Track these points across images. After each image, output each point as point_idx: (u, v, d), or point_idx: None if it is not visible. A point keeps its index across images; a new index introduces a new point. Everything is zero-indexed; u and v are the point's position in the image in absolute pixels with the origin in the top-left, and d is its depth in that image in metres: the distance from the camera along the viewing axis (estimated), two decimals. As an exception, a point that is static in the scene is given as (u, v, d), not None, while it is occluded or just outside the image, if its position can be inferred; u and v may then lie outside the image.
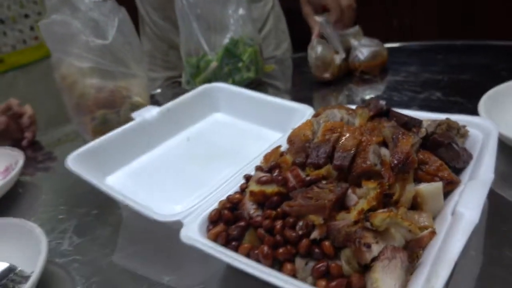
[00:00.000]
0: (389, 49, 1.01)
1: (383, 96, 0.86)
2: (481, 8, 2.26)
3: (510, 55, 0.93)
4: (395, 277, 0.33)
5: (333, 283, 0.35)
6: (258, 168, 0.50)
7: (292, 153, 0.50)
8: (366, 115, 0.52)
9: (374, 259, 0.35)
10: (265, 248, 0.39)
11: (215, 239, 0.42)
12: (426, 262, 0.34)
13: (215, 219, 0.45)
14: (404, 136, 0.45)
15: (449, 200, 0.42)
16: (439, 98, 0.78)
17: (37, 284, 0.45)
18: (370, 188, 0.41)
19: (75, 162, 0.58)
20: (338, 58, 0.94)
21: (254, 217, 0.43)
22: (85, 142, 0.90)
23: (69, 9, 0.77)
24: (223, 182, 0.52)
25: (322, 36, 0.99)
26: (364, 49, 0.96)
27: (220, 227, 0.43)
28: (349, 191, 0.42)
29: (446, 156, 0.46)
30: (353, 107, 0.60)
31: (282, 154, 0.52)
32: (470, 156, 0.47)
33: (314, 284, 0.36)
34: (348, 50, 0.98)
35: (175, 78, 1.26)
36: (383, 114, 0.53)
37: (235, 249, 0.41)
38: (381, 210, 0.38)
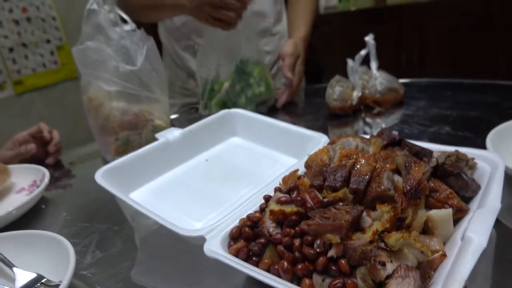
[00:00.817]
0: (404, 83, 1.06)
1: (394, 128, 0.89)
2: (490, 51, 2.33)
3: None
4: (409, 294, 0.35)
5: (349, 299, 0.37)
6: (277, 189, 0.53)
7: (309, 176, 0.53)
8: (380, 144, 0.56)
9: (388, 277, 0.37)
10: (285, 264, 0.41)
11: (236, 254, 0.45)
12: (437, 282, 0.36)
13: (236, 236, 0.48)
14: (416, 164, 0.48)
15: (459, 227, 0.44)
16: (448, 132, 0.81)
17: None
18: (384, 211, 0.44)
19: (102, 177, 0.61)
20: (355, 96, 0.98)
21: (274, 235, 0.46)
22: (104, 161, 0.95)
23: (103, 37, 0.84)
24: (242, 202, 0.55)
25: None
26: (382, 82, 1.00)
27: (241, 243, 0.46)
28: (364, 213, 0.45)
29: (456, 185, 0.48)
30: (367, 136, 0.63)
31: (299, 177, 0.56)
32: (478, 186, 0.50)
33: (331, 299, 0.38)
34: (363, 85, 1.03)
35: (192, 105, 1.32)
36: (396, 143, 0.57)
37: (256, 264, 0.43)
38: (395, 232, 0.41)
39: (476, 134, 0.77)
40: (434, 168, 0.51)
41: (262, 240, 0.45)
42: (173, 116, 1.26)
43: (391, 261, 0.38)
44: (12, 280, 0.53)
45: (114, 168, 0.65)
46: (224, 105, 1.09)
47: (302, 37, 1.19)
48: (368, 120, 0.99)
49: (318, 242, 0.42)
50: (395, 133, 0.57)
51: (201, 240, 0.48)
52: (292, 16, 1.28)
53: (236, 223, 0.50)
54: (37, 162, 0.93)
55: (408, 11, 2.63)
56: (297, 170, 0.57)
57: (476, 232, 0.40)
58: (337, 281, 0.39)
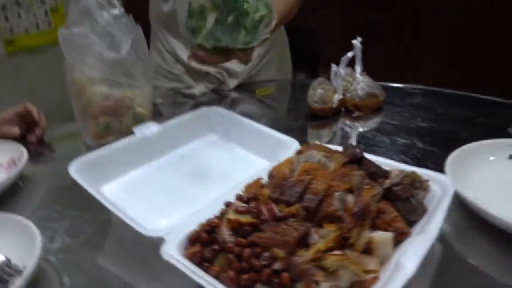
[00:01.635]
0: (384, 87, 1.08)
1: (368, 136, 0.92)
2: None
3: (491, 109, 1.00)
4: (336, 313, 0.39)
5: (284, 311, 0.41)
6: (239, 197, 0.56)
7: (270, 187, 0.56)
8: (341, 160, 0.58)
9: (321, 295, 0.41)
10: (232, 273, 0.45)
11: (190, 258, 0.48)
12: (363, 303, 0.40)
13: (194, 240, 0.51)
14: (367, 187, 0.51)
15: (398, 250, 0.48)
16: (417, 145, 0.84)
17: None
18: (330, 231, 0.47)
19: (77, 170, 0.64)
20: (336, 99, 1.00)
21: (227, 243, 0.49)
22: (86, 144, 0.97)
23: (89, 22, 0.84)
24: (208, 203, 0.58)
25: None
26: (364, 87, 1.02)
27: (196, 248, 0.49)
28: (313, 230, 0.48)
29: (403, 208, 0.52)
30: (337, 148, 0.66)
31: (262, 186, 0.59)
32: (424, 211, 0.53)
33: (269, 309, 0.42)
34: (345, 88, 1.05)
35: (178, 89, 1.33)
36: (357, 161, 0.59)
37: (206, 270, 0.46)
38: (335, 252, 0.44)
39: (443, 151, 0.80)
40: (387, 189, 0.54)
41: (216, 247, 0.49)
42: (158, 99, 1.27)
43: (326, 281, 0.41)
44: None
45: (89, 160, 0.68)
46: (218, 41, 0.79)
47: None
48: (347, 123, 1.02)
49: (266, 254, 0.46)
50: (357, 150, 0.60)
51: (161, 240, 0.51)
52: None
53: (196, 226, 0.53)
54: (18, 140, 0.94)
55: (409, 2, 2.60)
56: (261, 178, 0.60)
57: (408, 258, 0.44)
58: (277, 293, 0.43)
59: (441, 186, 0.58)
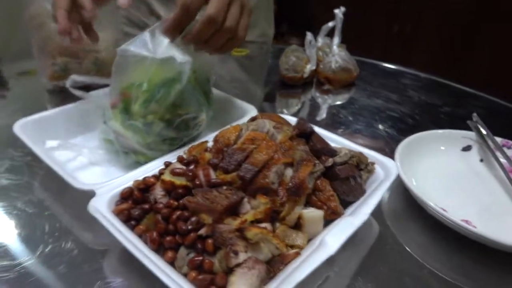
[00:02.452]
0: (365, 63, 1.06)
1: (333, 111, 0.91)
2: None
3: (459, 99, 1.00)
4: (248, 284, 0.39)
5: (201, 276, 0.41)
6: (179, 158, 0.55)
7: (213, 152, 0.55)
8: (289, 133, 0.57)
9: (238, 265, 0.41)
10: (154, 234, 0.44)
11: (118, 214, 0.47)
12: (277, 278, 0.40)
13: (126, 196, 0.50)
14: (306, 163, 0.50)
15: (327, 228, 0.48)
16: (377, 127, 0.84)
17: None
18: (261, 202, 0.46)
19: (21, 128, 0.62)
20: (308, 69, 0.98)
21: (158, 203, 0.48)
22: (42, 83, 0.93)
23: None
24: (147, 165, 0.56)
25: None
26: (338, 60, 1.00)
27: (126, 205, 0.48)
28: (246, 199, 0.48)
29: (340, 189, 0.52)
30: (292, 119, 0.65)
31: (206, 149, 0.57)
32: (362, 193, 0.53)
33: (187, 273, 0.42)
34: (320, 58, 1.02)
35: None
36: (306, 135, 0.58)
37: (132, 228, 0.46)
38: (258, 225, 0.44)
39: (400, 135, 0.80)
40: (328, 168, 0.54)
41: (146, 206, 0.48)
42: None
43: (246, 252, 0.41)
44: None
45: (37, 120, 0.65)
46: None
47: None
48: (316, 95, 1.00)
49: (193, 219, 0.45)
50: (308, 125, 0.59)
51: (92, 194, 0.50)
52: None
53: (130, 183, 0.52)
54: None
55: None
56: (207, 141, 0.58)
57: (332, 237, 0.44)
58: (198, 258, 0.43)
59: (385, 170, 0.58)
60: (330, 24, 1.03)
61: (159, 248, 0.44)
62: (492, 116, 0.83)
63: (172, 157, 0.57)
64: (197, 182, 0.49)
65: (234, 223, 0.44)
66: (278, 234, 0.45)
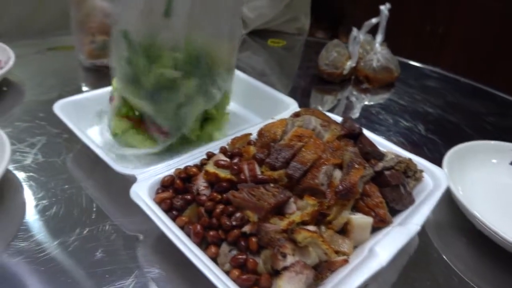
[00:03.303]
0: (402, 63, 1.02)
1: (372, 112, 0.88)
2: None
3: (505, 109, 0.95)
4: (295, 289, 0.37)
5: (244, 276, 0.39)
6: (222, 150, 0.53)
7: (257, 146, 0.53)
8: (337, 132, 0.55)
9: (285, 268, 0.39)
10: (198, 227, 0.42)
11: (160, 203, 0.46)
12: (326, 285, 0.38)
13: (167, 185, 0.48)
14: (358, 166, 0.48)
15: (375, 236, 0.46)
16: (420, 132, 0.81)
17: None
18: (309, 204, 0.44)
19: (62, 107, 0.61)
20: (349, 65, 0.94)
21: (201, 195, 0.47)
22: (78, 60, 0.92)
23: None
24: (189, 154, 0.54)
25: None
26: (380, 59, 0.96)
27: (167, 194, 0.47)
28: (292, 199, 0.45)
29: (389, 196, 0.49)
30: (337, 118, 0.62)
31: (249, 142, 0.55)
32: (411, 202, 0.51)
33: (229, 271, 0.40)
34: (361, 56, 0.98)
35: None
36: (354, 136, 0.56)
37: (174, 219, 0.44)
38: (308, 227, 0.42)
39: (444, 142, 0.77)
40: (378, 172, 0.51)
41: (188, 197, 0.46)
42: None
43: (293, 255, 0.39)
44: None
45: (75, 102, 0.64)
46: None
47: None
48: (354, 93, 0.97)
49: (237, 215, 0.43)
50: (356, 126, 0.56)
51: (134, 179, 0.49)
52: None
53: (172, 171, 0.50)
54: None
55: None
56: (250, 134, 0.56)
57: (383, 248, 0.42)
58: (241, 256, 0.41)
59: (434, 179, 0.55)
60: (374, 20, 0.99)
61: (201, 242, 0.43)
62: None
63: (212, 148, 0.55)
64: (242, 177, 0.47)
65: (281, 223, 0.42)
66: (326, 239, 0.43)
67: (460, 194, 0.56)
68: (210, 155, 0.53)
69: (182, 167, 0.51)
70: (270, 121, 0.64)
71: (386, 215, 0.47)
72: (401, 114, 0.87)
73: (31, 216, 0.50)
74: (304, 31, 1.36)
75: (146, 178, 0.49)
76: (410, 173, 0.55)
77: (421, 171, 0.56)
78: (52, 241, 0.47)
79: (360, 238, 0.46)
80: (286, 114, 0.66)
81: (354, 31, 0.93)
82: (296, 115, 0.62)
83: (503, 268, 0.51)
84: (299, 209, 0.45)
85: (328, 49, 0.95)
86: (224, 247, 0.43)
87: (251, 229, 0.42)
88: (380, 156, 0.53)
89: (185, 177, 0.49)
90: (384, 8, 0.97)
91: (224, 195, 0.46)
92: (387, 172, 0.51)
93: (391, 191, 0.50)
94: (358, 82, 1.00)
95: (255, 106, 0.72)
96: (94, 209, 0.52)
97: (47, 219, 0.50)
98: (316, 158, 0.48)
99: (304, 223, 0.44)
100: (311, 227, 0.43)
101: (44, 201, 0.53)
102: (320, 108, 0.90)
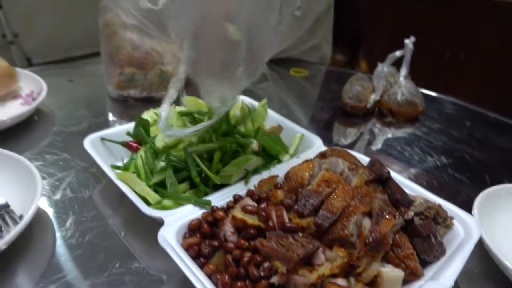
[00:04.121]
0: (424, 95, 1.01)
1: (397, 147, 0.87)
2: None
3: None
4: None
5: (273, 331, 0.39)
6: (250, 193, 0.53)
7: (284, 190, 0.53)
8: (365, 177, 0.54)
9: (314, 324, 0.38)
10: (226, 277, 0.42)
11: (187, 248, 0.46)
12: None
13: (194, 229, 0.48)
14: (388, 216, 0.47)
15: (406, 290, 0.44)
16: (446, 170, 0.79)
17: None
18: (338, 255, 0.43)
19: (92, 142, 0.63)
20: (372, 99, 0.94)
21: (228, 241, 0.46)
22: (107, 92, 0.94)
23: (131, -35, 0.78)
24: (215, 192, 0.55)
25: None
26: (404, 93, 0.95)
27: (195, 239, 0.47)
28: (320, 249, 0.45)
29: (420, 247, 0.48)
30: (362, 157, 0.61)
31: (276, 185, 0.55)
32: (442, 253, 0.49)
33: (257, 324, 0.40)
34: (385, 88, 0.98)
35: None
36: (382, 181, 0.55)
37: (201, 266, 0.44)
38: (338, 282, 0.41)
39: (474, 183, 0.75)
40: (407, 221, 0.50)
41: (215, 243, 0.46)
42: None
43: (323, 311, 0.39)
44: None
45: (107, 135, 0.66)
46: None
47: None
48: (377, 126, 0.96)
49: (265, 265, 0.43)
50: (385, 170, 0.55)
51: (161, 221, 0.49)
52: None
53: (199, 214, 0.50)
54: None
55: (471, 3, 2.39)
56: (276, 176, 0.56)
57: (416, 306, 0.40)
58: (269, 308, 0.40)
59: (465, 227, 0.53)
60: (398, 53, 0.99)
61: (228, 293, 0.42)
62: None
63: (238, 189, 0.55)
64: (270, 224, 0.46)
65: (311, 276, 0.41)
66: (356, 294, 0.42)
67: (493, 244, 0.54)
68: (237, 199, 0.53)
69: (208, 211, 0.51)
70: (296, 160, 0.64)
71: (417, 268, 0.46)
72: (427, 151, 0.85)
73: (60, 256, 0.51)
74: (326, 60, 1.36)
75: (173, 221, 0.49)
76: (440, 220, 0.54)
77: (452, 218, 0.54)
78: (80, 283, 0.47)
79: (390, 292, 0.44)
80: (311, 152, 0.66)
81: (379, 66, 0.93)
82: (322, 155, 0.61)
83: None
84: (328, 259, 0.44)
85: (351, 83, 0.95)
86: (252, 298, 0.42)
87: (279, 280, 0.42)
88: (409, 203, 0.52)
89: (212, 220, 0.49)
90: (409, 42, 0.97)
91: (252, 242, 0.45)
92: (417, 222, 0.50)
93: (422, 242, 0.48)
94: (381, 115, 0.99)
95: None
96: (122, 250, 0.53)
97: (75, 258, 0.50)
98: (345, 205, 0.47)
99: (333, 275, 0.43)
100: (341, 281, 0.42)
101: (72, 240, 0.53)
102: (343, 141, 0.89)
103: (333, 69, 1.32)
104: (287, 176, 0.54)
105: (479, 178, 0.77)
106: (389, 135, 0.92)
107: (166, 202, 0.54)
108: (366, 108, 0.95)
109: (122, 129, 0.68)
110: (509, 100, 1.83)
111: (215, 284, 0.42)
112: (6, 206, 0.52)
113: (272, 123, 0.75)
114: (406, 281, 0.46)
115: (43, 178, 0.62)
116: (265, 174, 0.60)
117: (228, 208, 0.52)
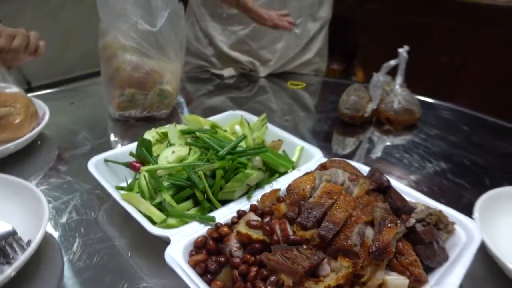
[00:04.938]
0: (422, 102, 1.02)
1: (396, 154, 0.88)
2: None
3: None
4: None
5: None
6: (253, 208, 0.54)
7: (287, 203, 0.53)
8: (366, 187, 0.55)
9: (322, 336, 0.38)
10: (234, 293, 0.43)
11: (194, 266, 0.46)
12: None
13: (200, 246, 0.49)
14: (390, 225, 0.47)
15: (411, 298, 0.45)
16: (446, 175, 0.80)
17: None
18: (343, 265, 0.44)
19: (95, 165, 0.64)
20: (370, 108, 0.95)
21: (234, 256, 0.47)
22: (108, 112, 0.96)
23: (129, -11, 0.81)
24: (220, 212, 0.55)
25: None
26: (401, 101, 0.96)
27: (201, 256, 0.47)
28: (325, 260, 0.45)
29: (423, 253, 0.48)
30: (361, 167, 0.62)
31: (279, 199, 0.56)
32: (445, 259, 0.50)
33: (266, 338, 0.40)
34: (381, 97, 0.99)
35: (205, 67, 1.30)
36: (382, 189, 0.56)
37: (208, 283, 0.45)
38: (345, 292, 0.41)
39: (473, 187, 0.76)
40: (409, 228, 0.51)
41: (222, 259, 0.47)
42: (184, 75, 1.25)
43: (331, 322, 0.39)
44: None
45: (109, 157, 0.67)
46: None
47: None
48: (376, 134, 0.97)
49: (272, 278, 0.44)
50: (384, 179, 0.56)
51: (167, 239, 0.50)
52: None
53: (204, 231, 0.51)
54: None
55: (465, 9, 2.41)
56: (278, 190, 0.57)
57: (422, 313, 0.41)
58: (277, 322, 0.41)
59: (466, 231, 0.54)
60: (392, 62, 1.00)
61: (236, 307, 0.43)
62: None
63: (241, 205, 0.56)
64: (275, 238, 0.47)
65: (317, 287, 0.42)
66: (363, 304, 0.43)
67: (495, 247, 0.55)
68: (241, 214, 0.53)
69: (213, 227, 0.52)
70: (296, 173, 0.65)
71: (421, 275, 0.47)
72: (426, 157, 0.86)
73: (68, 279, 0.51)
74: (321, 72, 1.38)
75: (179, 240, 0.49)
76: (442, 225, 0.55)
77: (453, 223, 0.55)
78: (90, 305, 0.48)
79: (396, 300, 0.45)
80: (312, 164, 0.67)
81: (375, 75, 0.94)
82: (323, 167, 0.62)
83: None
84: (333, 270, 0.45)
85: (348, 93, 0.97)
86: (260, 312, 0.43)
87: (286, 293, 0.42)
88: (410, 210, 0.53)
89: (217, 237, 0.50)
90: (403, 51, 0.99)
91: (257, 257, 0.46)
92: (419, 229, 0.51)
93: (425, 248, 0.49)
94: (379, 123, 1.00)
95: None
96: (129, 270, 0.53)
97: (84, 282, 0.51)
98: (347, 216, 0.48)
99: (339, 285, 0.44)
100: (347, 292, 0.43)
101: (80, 263, 0.54)
102: (341, 150, 0.90)
103: (329, 79, 1.34)
104: (289, 189, 0.55)
105: (479, 182, 0.78)
106: (388, 143, 0.94)
107: (171, 220, 0.55)
108: (363, 117, 0.97)
109: (125, 149, 0.69)
110: (505, 105, 1.85)
111: (223, 300, 0.43)
112: (13, 233, 0.53)
113: (272, 136, 0.76)
114: (411, 288, 0.46)
115: (49, 202, 0.63)
116: (267, 188, 0.61)
117: (232, 224, 0.53)
